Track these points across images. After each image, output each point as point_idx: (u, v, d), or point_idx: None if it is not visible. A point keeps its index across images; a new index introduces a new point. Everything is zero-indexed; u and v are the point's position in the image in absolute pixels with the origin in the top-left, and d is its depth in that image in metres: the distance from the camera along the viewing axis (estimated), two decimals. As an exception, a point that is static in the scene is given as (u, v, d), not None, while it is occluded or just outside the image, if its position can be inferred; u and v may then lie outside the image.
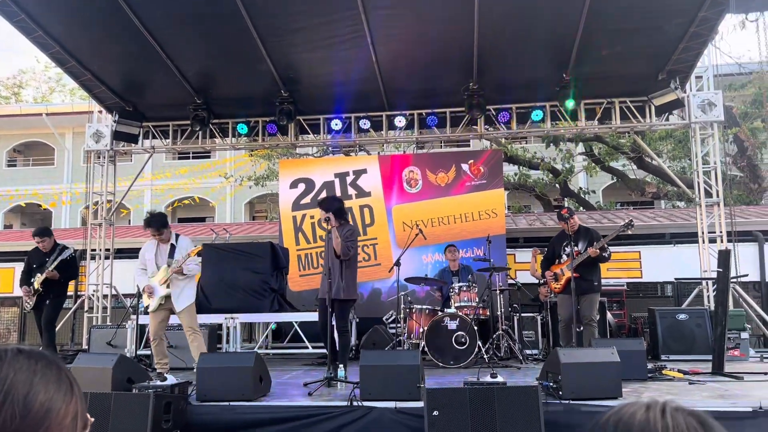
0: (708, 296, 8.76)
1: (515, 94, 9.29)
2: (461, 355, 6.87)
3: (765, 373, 5.85)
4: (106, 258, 10.24)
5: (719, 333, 6.04)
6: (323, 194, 9.92)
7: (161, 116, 10.10)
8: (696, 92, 9.07)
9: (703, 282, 8.95)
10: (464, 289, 7.46)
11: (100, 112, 10.24)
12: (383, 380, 4.76)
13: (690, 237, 9.81)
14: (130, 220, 21.25)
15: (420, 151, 12.37)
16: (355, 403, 4.69)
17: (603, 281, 9.28)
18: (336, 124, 9.70)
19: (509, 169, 16.12)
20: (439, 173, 10.04)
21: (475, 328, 6.96)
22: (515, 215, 14.56)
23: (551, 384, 4.75)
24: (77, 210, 22.60)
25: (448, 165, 10.08)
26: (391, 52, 8.41)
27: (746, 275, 8.92)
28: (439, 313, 7.18)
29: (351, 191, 10.20)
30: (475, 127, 9.64)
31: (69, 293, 8.61)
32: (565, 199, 17.58)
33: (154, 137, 10.42)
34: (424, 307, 7.58)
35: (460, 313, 7.11)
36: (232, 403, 4.89)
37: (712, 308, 7.71)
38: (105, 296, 10.09)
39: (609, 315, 8.42)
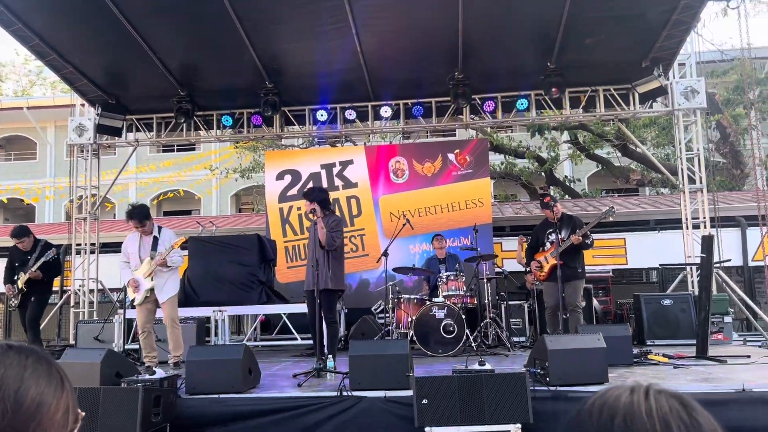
0: (692, 281, 8.87)
1: (500, 83, 9.30)
2: (449, 344, 6.91)
3: (748, 356, 5.95)
4: (92, 253, 10.16)
5: (703, 318, 6.13)
6: (309, 185, 9.90)
7: (145, 109, 10.00)
8: (679, 79, 9.14)
9: (688, 267, 9.06)
10: (452, 278, 7.50)
11: (83, 105, 10.13)
12: (372, 370, 4.78)
13: (674, 223, 9.91)
14: (115, 214, 21.08)
15: (406, 141, 12.38)
16: (344, 393, 4.71)
17: (589, 268, 9.38)
18: (321, 115, 9.66)
19: (495, 158, 16.17)
20: (425, 163, 10.05)
21: (463, 316, 7.01)
22: (501, 204, 14.62)
23: (539, 371, 4.79)
24: (61, 204, 22.37)
25: (434, 155, 10.10)
26: (376, 41, 8.38)
27: (729, 260, 9.04)
28: (427, 303, 7.22)
29: (338, 182, 10.19)
30: (460, 116, 9.65)
31: (55, 288, 8.55)
32: (551, 187, 17.68)
33: (138, 130, 10.32)
34: (412, 296, 7.62)
35: (448, 302, 7.15)
36: (221, 396, 4.89)
37: (696, 293, 7.81)
38: (91, 291, 10.02)
39: (595, 301, 8.51)
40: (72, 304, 9.87)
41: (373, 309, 8.51)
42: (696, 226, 9.16)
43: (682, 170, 9.28)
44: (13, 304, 7.61)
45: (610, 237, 10.65)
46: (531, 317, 8.28)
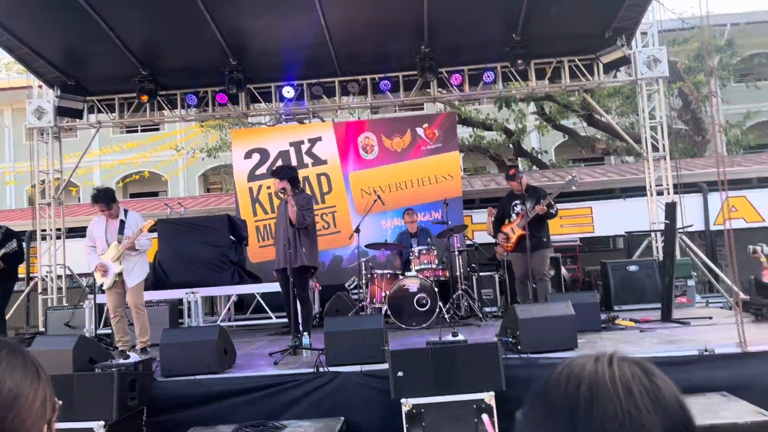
0: (657, 247, 9.10)
1: (467, 55, 9.29)
2: (423, 317, 7.01)
3: (710, 318, 6.17)
4: (58, 238, 9.97)
5: (667, 282, 6.32)
6: (278, 164, 9.83)
7: (106, 90, 9.74)
8: (642, 49, 9.24)
9: (652, 234, 9.28)
10: (423, 252, 7.57)
11: (40, 87, 9.82)
12: (348, 345, 4.84)
13: (639, 191, 10.12)
14: (79, 198, 20.63)
15: (374, 117, 12.33)
16: (321, 369, 4.77)
17: (557, 237, 9.55)
18: (288, 92, 9.55)
19: (463, 131, 16.22)
20: (394, 138, 10.05)
21: (436, 289, 7.11)
22: (471, 177, 14.73)
23: (510, 339, 4.91)
24: (23, 189, 21.80)
25: (403, 130, 10.09)
26: (341, 16, 8.28)
27: (691, 225, 9.29)
28: (400, 277, 7.29)
29: (307, 160, 10.13)
30: (428, 90, 9.63)
31: (21, 275, 8.38)
32: (519, 159, 17.85)
33: (99, 111, 10.06)
34: (385, 271, 7.68)
35: (421, 276, 7.23)
36: (197, 377, 4.90)
37: (661, 259, 8.03)
38: (59, 277, 9.85)
39: (563, 270, 8.69)
40: (39, 290, 9.70)
41: (346, 285, 8.56)
42: (660, 193, 9.37)
43: (645, 139, 9.45)
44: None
45: (578, 206, 10.84)
46: (502, 287, 8.42)
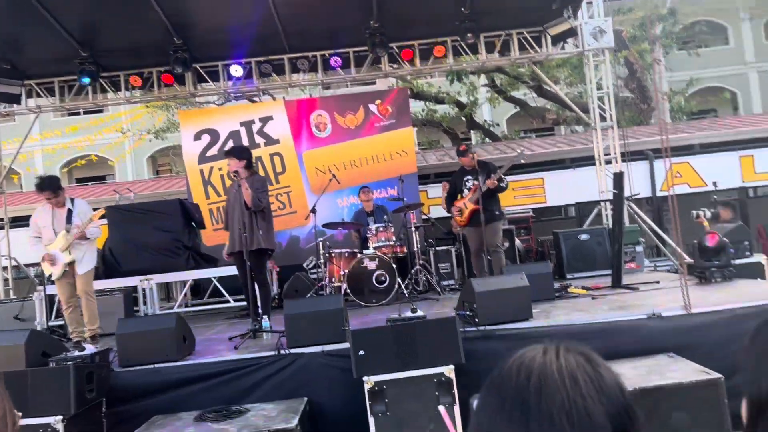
0: (606, 215, 9.37)
1: (417, 30, 9.25)
2: (382, 293, 7.08)
3: (657, 282, 6.42)
4: (1, 228, 9.61)
5: (616, 249, 6.53)
6: (229, 144, 9.66)
7: (45, 73, 9.34)
8: (587, 20, 9.37)
9: (602, 202, 9.54)
10: (381, 229, 7.60)
11: (-27, 71, 9.35)
12: (309, 327, 4.85)
13: (588, 160, 10.36)
14: (21, 185, 19.88)
15: (326, 94, 12.21)
16: (282, 352, 4.77)
17: (510, 209, 9.73)
18: (236, 71, 9.35)
19: (416, 105, 16.23)
20: (347, 115, 9.98)
21: (394, 266, 7.17)
22: (425, 152, 14.79)
23: (468, 313, 5.01)
24: (-40, 179, 20.85)
25: (355, 106, 10.03)
26: (288, -8, 8.12)
27: (638, 194, 9.59)
28: (359, 255, 7.32)
29: (259, 139, 9.98)
30: (379, 66, 9.58)
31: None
32: (472, 131, 18.00)
33: (38, 95, 9.65)
34: (344, 250, 7.69)
35: (379, 253, 7.28)
36: (157, 365, 4.85)
37: (611, 226, 8.27)
38: (5, 268, 9.53)
39: (517, 241, 8.86)
40: (-16, 284, 9.37)
41: (304, 265, 8.55)
42: (608, 162, 9.61)
43: (593, 109, 9.65)
44: None
45: (530, 177, 11.05)
46: (459, 260, 8.55)
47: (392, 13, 8.66)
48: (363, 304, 7.05)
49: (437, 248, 8.45)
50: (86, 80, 8.92)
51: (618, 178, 6.55)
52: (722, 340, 4.35)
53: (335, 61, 9.28)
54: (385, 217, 8.03)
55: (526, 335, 4.71)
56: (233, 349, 5.16)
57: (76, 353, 4.82)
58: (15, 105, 9.46)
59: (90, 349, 5.02)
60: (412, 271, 7.78)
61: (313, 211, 7.68)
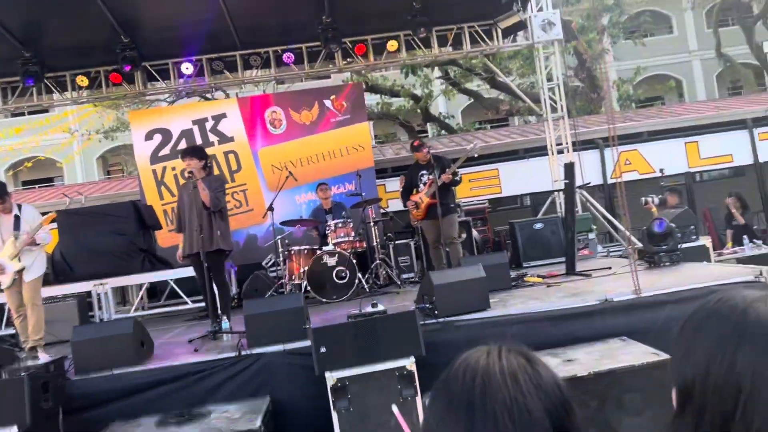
0: (560, 203, 9.59)
1: (370, 25, 9.28)
2: (343, 289, 7.09)
3: (609, 268, 6.61)
4: (-56, 237, 9.23)
5: (570, 238, 6.70)
6: (182, 144, 9.51)
7: (-15, 74, 9.04)
8: (537, 13, 9.54)
9: (555, 192, 9.76)
10: (339, 225, 7.61)
11: None
12: (269, 326, 4.84)
13: (541, 150, 10.57)
14: (-35, 191, 19.09)
15: (281, 90, 12.11)
16: (243, 352, 4.75)
17: (466, 200, 9.87)
18: (187, 68, 9.22)
19: (372, 99, 16.25)
20: (302, 111, 9.93)
21: (354, 261, 7.19)
22: (382, 146, 14.84)
23: (427, 305, 5.08)
24: None
25: (310, 102, 9.98)
26: (238, -12, 8.03)
27: (589, 183, 9.85)
28: (318, 252, 7.32)
29: (212, 138, 9.84)
30: (333, 61, 9.56)
31: None
32: (428, 123, 18.12)
33: (-21, 98, 9.33)
34: (303, 247, 7.67)
35: (338, 249, 7.29)
36: (115, 372, 4.76)
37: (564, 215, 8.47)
38: (-50, 278, 9.16)
39: (474, 232, 9.00)
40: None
41: (263, 263, 8.50)
42: (560, 152, 9.84)
43: (544, 100, 9.85)
44: None
45: (485, 169, 11.21)
46: (418, 253, 8.63)
47: (344, 9, 8.66)
48: (324, 300, 7.05)
49: (396, 242, 8.51)
50: (30, 81, 8.65)
51: (569, 169, 6.72)
52: (671, 322, 4.51)
53: (288, 57, 9.24)
54: (343, 213, 8.04)
55: (484, 325, 4.81)
56: (193, 352, 5.11)
57: (30, 363, 4.70)
58: (-46, 108, 9.12)
59: (44, 357, 4.91)
60: (372, 266, 7.82)
61: (271, 209, 7.63)
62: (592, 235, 8.59)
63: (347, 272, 7.11)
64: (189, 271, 6.73)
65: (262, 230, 9.51)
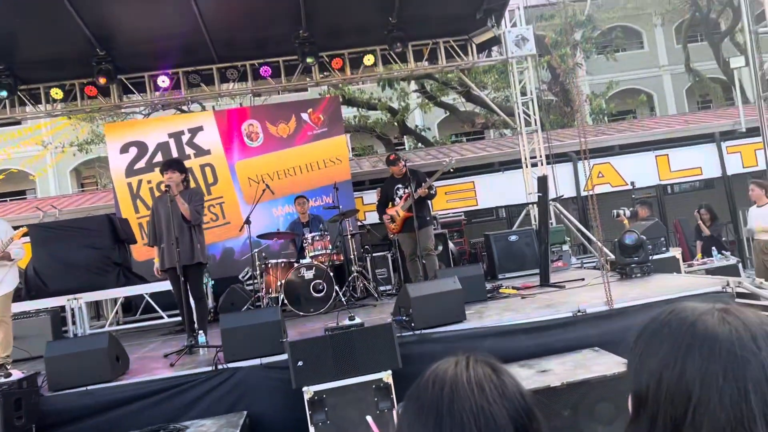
0: (534, 216, 9.74)
1: (347, 39, 9.36)
2: (320, 302, 7.11)
3: (582, 279, 6.73)
4: None
5: (543, 250, 6.81)
6: (158, 157, 9.47)
7: (-44, 86, 8.90)
8: (510, 29, 9.75)
9: (529, 204, 9.91)
10: (317, 238, 7.64)
11: None
12: (246, 340, 4.83)
13: (516, 163, 10.74)
14: (-67, 204, 18.71)
15: (257, 102, 12.12)
16: (220, 367, 4.74)
17: (443, 213, 9.96)
18: (163, 81, 9.20)
19: (349, 112, 16.34)
20: (279, 124, 9.96)
21: (331, 274, 7.22)
22: (359, 159, 14.91)
23: (404, 318, 5.12)
24: None
25: (287, 116, 10.03)
26: (214, 3, 8.06)
27: (562, 196, 10.03)
28: (295, 265, 7.33)
29: (189, 151, 9.82)
30: (310, 74, 9.63)
31: None
32: (405, 136, 18.25)
33: (-50, 110, 9.20)
34: (280, 260, 7.67)
35: (315, 262, 7.31)
36: (89, 387, 4.72)
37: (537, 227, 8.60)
38: None
39: (451, 244, 9.09)
40: None
41: (240, 277, 8.47)
42: (534, 165, 10.01)
43: (518, 114, 10.02)
44: None
45: (461, 182, 11.34)
46: (395, 265, 8.68)
47: (321, 23, 8.74)
48: (301, 313, 7.06)
49: (373, 254, 8.55)
50: (3, 93, 8.56)
51: (542, 182, 6.85)
52: (641, 333, 4.61)
53: (265, 71, 9.27)
54: (321, 226, 8.07)
55: (460, 337, 4.87)
56: (169, 366, 5.09)
57: (2, 380, 4.63)
58: (-76, 120, 8.97)
59: (17, 374, 4.84)
60: (350, 279, 7.85)
61: (248, 222, 7.63)
62: (565, 247, 8.73)
63: (324, 285, 7.13)
64: (164, 285, 6.70)
65: (238, 243, 9.49)
